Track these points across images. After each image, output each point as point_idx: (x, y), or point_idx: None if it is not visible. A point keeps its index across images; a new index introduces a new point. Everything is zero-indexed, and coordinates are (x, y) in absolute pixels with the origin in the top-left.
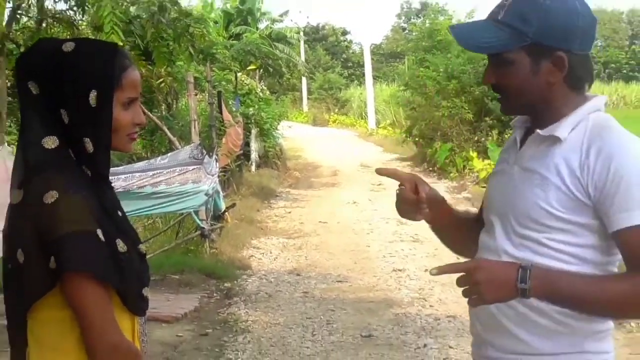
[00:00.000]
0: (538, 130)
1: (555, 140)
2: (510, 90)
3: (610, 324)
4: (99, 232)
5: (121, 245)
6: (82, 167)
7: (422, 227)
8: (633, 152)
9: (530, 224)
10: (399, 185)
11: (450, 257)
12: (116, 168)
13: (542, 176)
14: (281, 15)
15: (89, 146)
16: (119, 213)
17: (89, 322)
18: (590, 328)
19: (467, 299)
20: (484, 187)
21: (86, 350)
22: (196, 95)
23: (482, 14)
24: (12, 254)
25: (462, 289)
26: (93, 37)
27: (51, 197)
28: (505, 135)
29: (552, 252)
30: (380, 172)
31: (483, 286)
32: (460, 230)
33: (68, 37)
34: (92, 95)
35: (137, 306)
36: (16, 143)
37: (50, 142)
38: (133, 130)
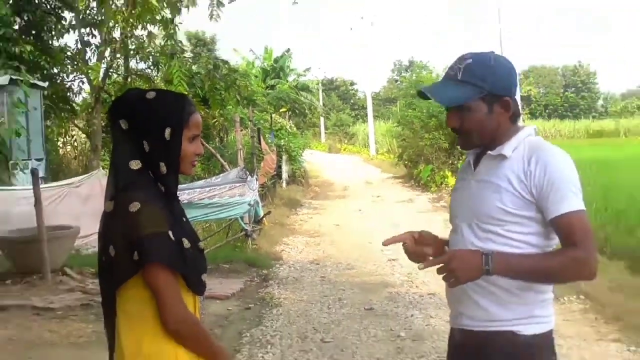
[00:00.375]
0: (489, 151)
1: (503, 157)
2: (471, 130)
3: (551, 294)
4: (170, 233)
5: (186, 243)
6: (157, 185)
7: (411, 227)
8: (561, 161)
9: (491, 221)
10: (402, 245)
11: None
12: (181, 185)
13: (496, 184)
14: (305, 71)
15: (163, 169)
16: (184, 219)
17: (163, 299)
18: (537, 298)
19: (445, 282)
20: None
21: (161, 320)
22: (241, 130)
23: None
24: (106, 249)
25: (442, 275)
26: (166, 88)
27: (134, 207)
28: None
29: (507, 240)
30: (386, 243)
31: (457, 271)
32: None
33: (148, 88)
34: (167, 131)
35: (197, 288)
36: (109, 166)
37: (135, 165)
38: (195, 158)
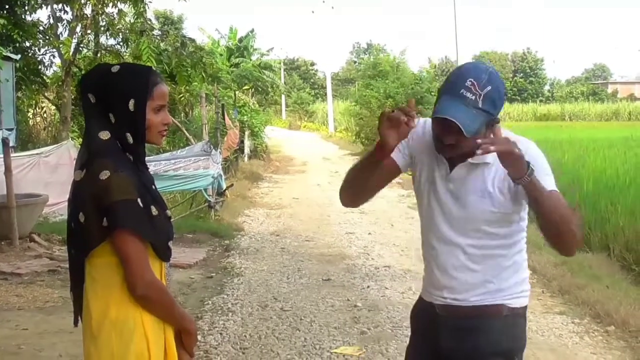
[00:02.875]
0: (469, 160)
1: (485, 165)
2: (465, 147)
3: (528, 270)
4: (139, 200)
5: (154, 210)
6: (126, 154)
7: (367, 204)
8: (531, 149)
9: (480, 223)
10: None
11: (385, 224)
12: (148, 157)
13: (483, 190)
14: (268, 51)
15: (130, 139)
16: (153, 187)
17: (130, 265)
18: (522, 275)
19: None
20: (409, 174)
21: (127, 286)
22: (206, 106)
23: (411, 53)
24: (75, 216)
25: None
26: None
27: (104, 174)
28: None
29: (496, 234)
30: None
31: (517, 151)
32: (373, 180)
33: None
34: (131, 102)
35: (164, 254)
36: (82, 137)
37: (104, 135)
38: (163, 128)
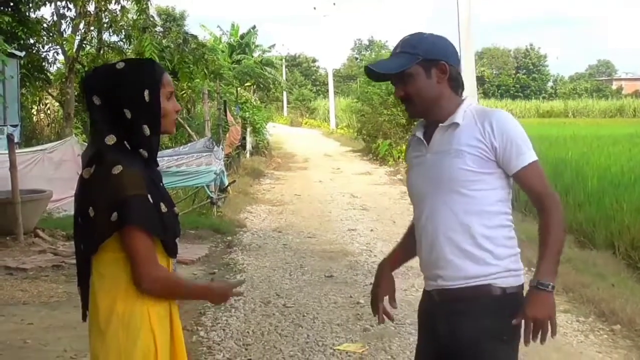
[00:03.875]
0: (440, 124)
1: (455, 125)
2: (414, 95)
3: (518, 249)
4: (149, 196)
5: (163, 207)
6: (138, 152)
7: (369, 199)
8: (512, 119)
9: (456, 184)
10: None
11: (387, 220)
12: None
13: (456, 149)
14: (269, 47)
15: (147, 131)
16: (161, 184)
17: (137, 261)
18: (509, 252)
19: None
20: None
21: (133, 281)
22: (208, 103)
23: None
24: (84, 211)
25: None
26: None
27: (117, 169)
28: None
29: (472, 199)
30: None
31: (540, 316)
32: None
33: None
34: (146, 93)
35: (172, 250)
36: (89, 137)
37: (110, 140)
38: (175, 116)
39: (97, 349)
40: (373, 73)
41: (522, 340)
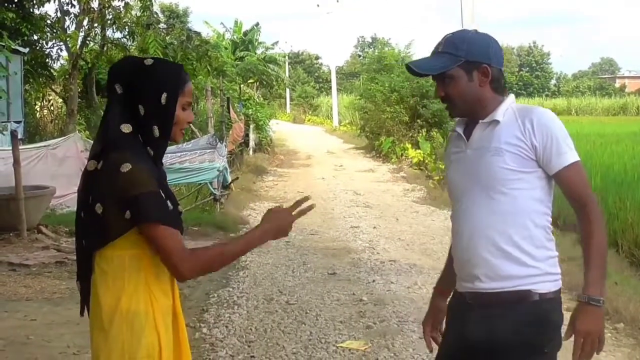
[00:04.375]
0: (481, 120)
1: (496, 123)
2: (455, 97)
3: (556, 252)
4: (160, 192)
5: (169, 205)
6: (147, 148)
7: (372, 196)
8: (553, 118)
9: (496, 183)
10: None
11: (390, 218)
12: None
13: (495, 147)
14: (272, 44)
15: (156, 132)
16: (165, 183)
17: (168, 254)
18: (547, 254)
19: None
20: (416, 169)
21: (173, 274)
22: (212, 99)
23: (418, 45)
24: (89, 206)
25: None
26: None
27: (126, 167)
28: (432, 133)
29: (513, 198)
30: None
31: (593, 333)
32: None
33: (123, 56)
34: (164, 96)
35: None
36: (97, 131)
37: (126, 128)
38: (185, 126)
39: (99, 346)
40: (412, 71)
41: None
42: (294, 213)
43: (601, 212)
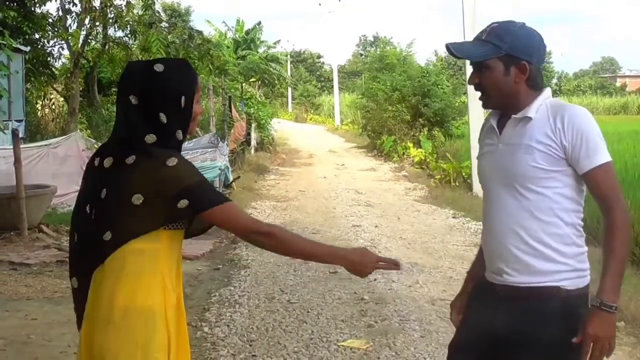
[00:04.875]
0: (514, 115)
1: (528, 119)
2: (489, 88)
3: (586, 247)
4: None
5: None
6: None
7: (373, 195)
8: (585, 116)
9: (526, 180)
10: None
11: (392, 217)
12: None
13: (526, 145)
14: (274, 43)
15: (180, 136)
16: None
17: (241, 226)
18: (577, 251)
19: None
20: (417, 168)
21: (257, 239)
22: (213, 98)
23: (419, 44)
24: (123, 198)
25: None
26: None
27: (172, 161)
28: (433, 132)
29: (543, 196)
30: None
31: (603, 339)
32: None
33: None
34: (182, 99)
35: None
36: (110, 130)
37: (150, 139)
38: (199, 119)
39: (106, 340)
40: (451, 52)
41: None
42: (379, 263)
43: (628, 218)
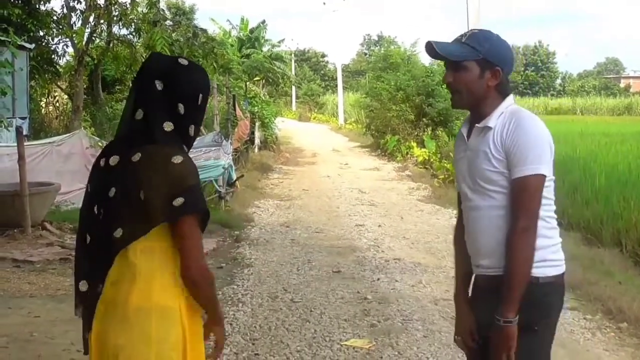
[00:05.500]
0: (477, 125)
1: (488, 129)
2: (462, 88)
3: (559, 239)
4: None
5: None
6: (183, 146)
7: (377, 195)
8: (531, 125)
9: (489, 183)
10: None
11: (395, 216)
12: None
13: (484, 152)
14: (279, 42)
15: (192, 131)
16: None
17: (190, 248)
18: (547, 242)
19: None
20: (421, 168)
21: (181, 269)
22: (217, 97)
23: (422, 44)
24: (131, 194)
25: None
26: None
27: (177, 159)
28: (437, 131)
29: (504, 193)
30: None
31: (503, 349)
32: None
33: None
34: (200, 97)
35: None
36: (127, 118)
37: (168, 127)
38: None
39: (121, 339)
40: (431, 49)
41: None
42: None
43: (530, 239)
